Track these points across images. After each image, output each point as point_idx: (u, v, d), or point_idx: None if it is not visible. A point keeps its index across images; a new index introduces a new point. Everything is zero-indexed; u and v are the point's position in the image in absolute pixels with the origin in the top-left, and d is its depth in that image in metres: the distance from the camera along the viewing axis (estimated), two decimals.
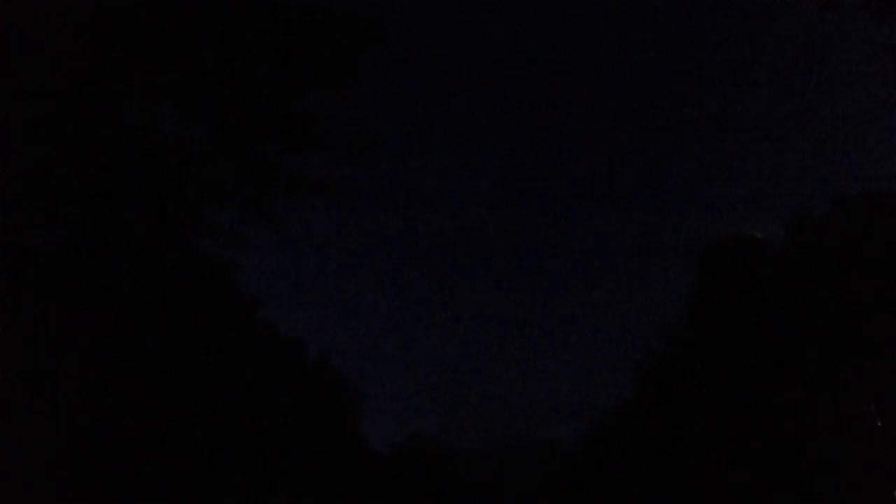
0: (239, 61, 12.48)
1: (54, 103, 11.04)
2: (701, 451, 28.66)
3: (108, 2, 11.08)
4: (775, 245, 29.69)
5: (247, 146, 13.19)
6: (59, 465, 11.48)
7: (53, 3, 10.75)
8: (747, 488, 26.21)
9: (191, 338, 14.59)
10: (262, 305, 26.40)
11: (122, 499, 12.47)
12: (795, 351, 26.95)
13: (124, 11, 11.12)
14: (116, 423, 12.38)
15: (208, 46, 12.08)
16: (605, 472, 40.44)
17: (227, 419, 18.79)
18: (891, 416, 24.01)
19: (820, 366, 25.30)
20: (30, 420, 11.08)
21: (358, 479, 37.29)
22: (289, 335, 33.49)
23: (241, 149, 13.15)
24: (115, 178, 11.74)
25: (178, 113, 12.72)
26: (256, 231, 13.60)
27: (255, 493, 22.67)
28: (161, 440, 13.68)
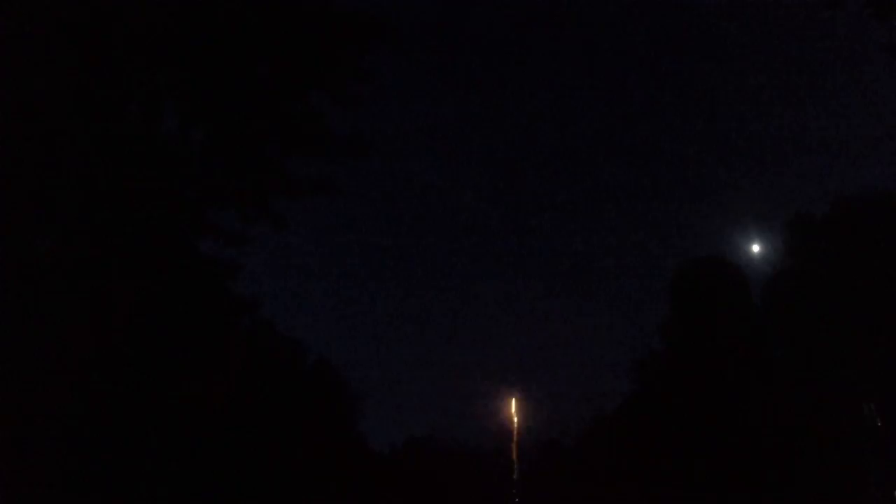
0: (239, 62, 12.48)
1: (55, 104, 11.03)
2: (701, 451, 28.66)
3: (109, 3, 11.08)
4: (775, 246, 29.75)
5: (247, 146, 13.19)
6: (59, 464, 11.47)
7: (55, 4, 10.75)
8: (747, 488, 26.20)
9: (190, 338, 14.57)
10: (262, 305, 26.41)
11: (121, 499, 12.46)
12: (795, 352, 26.95)
13: (125, 13, 11.12)
14: (115, 422, 12.37)
15: (209, 47, 12.08)
16: (605, 472, 40.42)
17: (226, 419, 18.78)
18: (891, 416, 24.02)
19: (820, 366, 25.31)
20: (30, 420, 11.08)
21: (358, 479, 37.27)
22: (289, 335, 33.50)
23: (241, 149, 13.15)
24: (116, 179, 11.74)
25: (179, 113, 12.72)
26: (256, 231, 13.63)
27: (255, 494, 22.67)
28: (160, 440, 13.66)
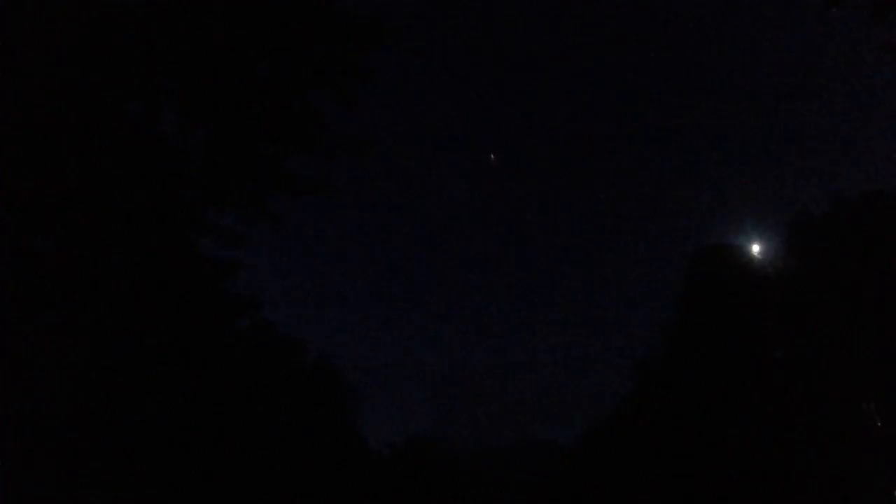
0: (239, 61, 12.48)
1: (55, 104, 11.04)
2: (700, 451, 28.67)
3: (109, 2, 11.08)
4: (775, 245, 29.74)
5: (247, 146, 13.19)
6: (60, 464, 11.47)
7: (54, 4, 10.75)
8: (747, 488, 26.21)
9: (191, 338, 14.58)
10: (262, 305, 26.38)
11: (121, 498, 12.46)
12: (795, 351, 26.96)
13: (125, 12, 11.13)
14: (116, 422, 12.37)
15: (208, 47, 12.08)
16: (605, 472, 40.43)
17: (226, 419, 18.79)
18: (891, 416, 24.01)
19: (820, 366, 25.31)
20: (29, 420, 11.08)
21: (358, 479, 37.28)
22: (289, 335, 33.51)
23: (241, 149, 13.15)
24: (116, 179, 11.75)
25: (179, 113, 12.72)
26: (256, 231, 13.64)
27: (255, 494, 22.66)
28: (161, 440, 13.67)
